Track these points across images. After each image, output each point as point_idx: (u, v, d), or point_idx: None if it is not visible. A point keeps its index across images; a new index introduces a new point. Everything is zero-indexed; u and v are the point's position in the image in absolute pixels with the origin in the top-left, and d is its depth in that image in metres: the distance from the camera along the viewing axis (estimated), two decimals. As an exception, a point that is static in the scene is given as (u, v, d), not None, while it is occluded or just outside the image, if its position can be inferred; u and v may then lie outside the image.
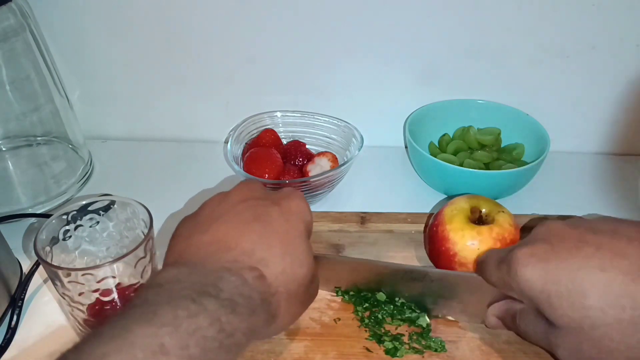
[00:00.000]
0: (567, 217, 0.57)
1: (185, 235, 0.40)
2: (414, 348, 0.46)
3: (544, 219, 0.58)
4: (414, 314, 0.47)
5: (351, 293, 0.50)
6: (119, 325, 0.30)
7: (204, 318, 0.32)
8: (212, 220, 0.40)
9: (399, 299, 0.48)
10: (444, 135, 0.70)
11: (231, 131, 0.67)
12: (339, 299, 0.50)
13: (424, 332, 0.47)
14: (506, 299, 0.43)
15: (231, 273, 0.36)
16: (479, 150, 0.67)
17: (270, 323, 0.38)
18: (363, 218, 0.60)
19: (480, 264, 0.45)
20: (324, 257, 0.49)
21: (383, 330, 0.47)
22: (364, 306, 0.49)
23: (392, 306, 0.48)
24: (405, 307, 0.48)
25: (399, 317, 0.48)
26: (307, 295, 0.41)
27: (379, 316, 0.48)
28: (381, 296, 0.49)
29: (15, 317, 0.50)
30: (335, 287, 0.51)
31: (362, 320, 0.48)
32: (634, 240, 0.37)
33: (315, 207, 0.63)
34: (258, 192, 0.43)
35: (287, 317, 0.40)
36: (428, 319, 0.47)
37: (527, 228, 0.57)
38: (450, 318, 0.48)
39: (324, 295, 0.51)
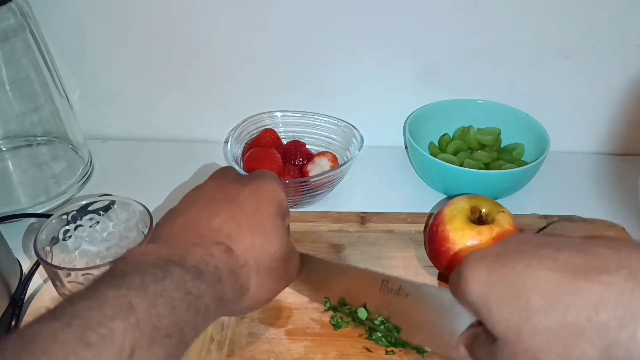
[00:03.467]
0: (568, 218, 0.58)
1: (161, 224, 0.41)
2: (415, 347, 0.45)
3: (544, 218, 0.58)
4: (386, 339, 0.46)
5: (337, 305, 0.48)
6: (89, 289, 0.32)
7: (170, 282, 0.33)
8: (186, 206, 0.41)
9: (379, 316, 0.46)
10: (444, 135, 0.70)
11: (231, 131, 0.67)
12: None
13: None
14: (475, 327, 0.39)
15: (197, 247, 0.37)
16: (479, 150, 0.66)
17: (242, 295, 0.38)
18: (363, 218, 0.60)
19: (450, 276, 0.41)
20: (312, 259, 0.48)
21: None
22: (346, 321, 0.48)
23: (372, 324, 0.46)
24: (383, 328, 0.46)
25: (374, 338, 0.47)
26: (285, 271, 0.41)
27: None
28: (362, 313, 0.47)
29: (15, 317, 0.50)
30: (325, 298, 0.49)
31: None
32: (604, 243, 0.31)
33: (315, 207, 0.63)
34: (231, 177, 0.44)
35: (262, 292, 0.40)
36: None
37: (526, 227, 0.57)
38: (427, 349, 0.45)
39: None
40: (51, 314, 0.30)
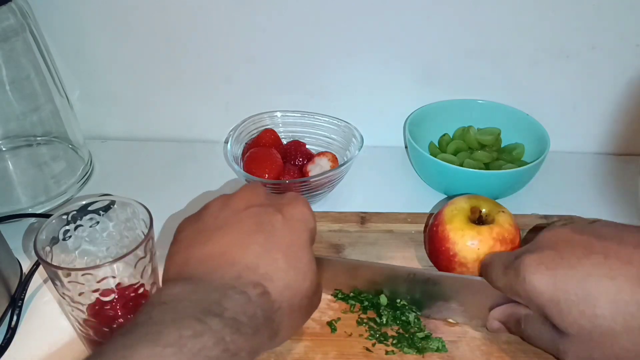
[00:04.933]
0: (569, 218, 0.58)
1: (187, 244, 0.39)
2: (414, 347, 0.46)
3: (544, 218, 0.58)
4: (411, 317, 0.47)
5: (352, 295, 0.50)
6: (124, 345, 0.30)
7: (208, 338, 0.31)
8: (214, 229, 0.39)
9: (400, 300, 0.48)
10: (444, 135, 0.70)
11: (231, 131, 0.67)
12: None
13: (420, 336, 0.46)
14: (509, 303, 0.43)
15: (235, 291, 0.35)
16: (479, 150, 0.66)
17: (274, 338, 0.38)
18: (363, 218, 0.60)
19: (485, 268, 0.45)
20: (324, 260, 0.49)
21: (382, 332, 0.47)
22: (364, 305, 0.49)
23: (392, 310, 0.48)
24: (405, 309, 0.48)
25: (398, 321, 0.47)
26: (310, 306, 0.41)
27: (378, 320, 0.48)
28: (383, 299, 0.48)
29: (15, 317, 0.50)
30: (336, 290, 0.50)
31: (360, 321, 0.48)
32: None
33: (315, 207, 0.62)
34: (261, 197, 0.42)
35: (291, 329, 0.40)
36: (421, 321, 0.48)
37: (531, 230, 0.57)
38: (451, 320, 0.48)
39: (324, 296, 0.51)
40: None
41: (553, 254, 0.39)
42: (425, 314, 0.48)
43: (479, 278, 0.45)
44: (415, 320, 0.47)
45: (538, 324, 0.41)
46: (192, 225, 0.41)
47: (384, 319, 0.47)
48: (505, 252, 0.46)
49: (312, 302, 0.40)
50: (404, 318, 0.47)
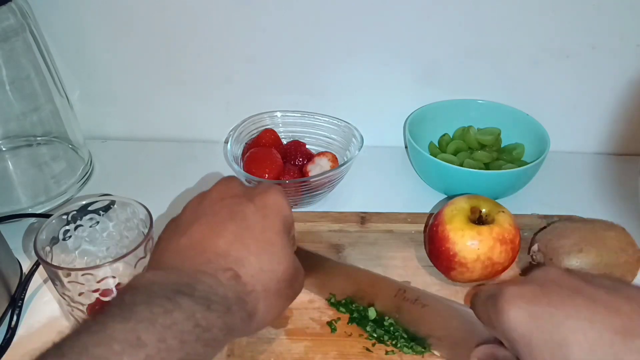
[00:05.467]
0: (568, 217, 0.58)
1: (166, 238, 0.40)
2: (413, 348, 0.46)
3: (544, 218, 0.58)
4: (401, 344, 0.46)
5: (343, 302, 0.49)
6: (97, 323, 0.31)
7: (179, 314, 0.32)
8: (190, 222, 0.40)
9: (389, 318, 0.47)
10: (444, 135, 0.70)
11: (231, 131, 0.67)
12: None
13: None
14: (493, 344, 0.40)
15: (205, 275, 0.36)
16: (479, 150, 0.66)
17: (249, 321, 0.38)
18: (363, 218, 0.60)
19: (472, 297, 0.42)
20: (321, 258, 0.48)
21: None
22: (353, 316, 0.48)
23: (379, 327, 0.47)
24: (392, 330, 0.46)
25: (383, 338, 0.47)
26: (291, 290, 0.41)
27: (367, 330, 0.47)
28: (372, 312, 0.47)
29: (15, 317, 0.50)
30: (331, 294, 0.50)
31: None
32: (633, 300, 0.33)
33: (315, 207, 0.63)
34: (236, 189, 0.42)
35: (269, 313, 0.40)
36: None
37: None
38: (436, 353, 0.46)
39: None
40: (58, 351, 0.29)
41: (537, 289, 0.35)
42: (412, 337, 0.46)
43: (466, 307, 0.42)
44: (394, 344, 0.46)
45: None
46: (173, 222, 0.42)
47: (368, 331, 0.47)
48: (495, 284, 0.42)
49: (292, 286, 0.40)
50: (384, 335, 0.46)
